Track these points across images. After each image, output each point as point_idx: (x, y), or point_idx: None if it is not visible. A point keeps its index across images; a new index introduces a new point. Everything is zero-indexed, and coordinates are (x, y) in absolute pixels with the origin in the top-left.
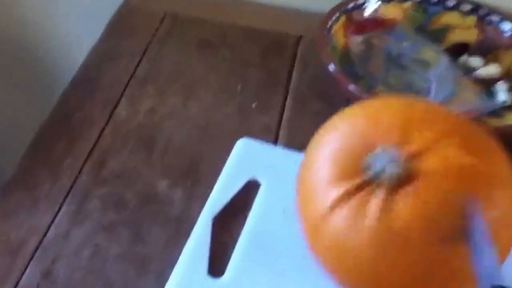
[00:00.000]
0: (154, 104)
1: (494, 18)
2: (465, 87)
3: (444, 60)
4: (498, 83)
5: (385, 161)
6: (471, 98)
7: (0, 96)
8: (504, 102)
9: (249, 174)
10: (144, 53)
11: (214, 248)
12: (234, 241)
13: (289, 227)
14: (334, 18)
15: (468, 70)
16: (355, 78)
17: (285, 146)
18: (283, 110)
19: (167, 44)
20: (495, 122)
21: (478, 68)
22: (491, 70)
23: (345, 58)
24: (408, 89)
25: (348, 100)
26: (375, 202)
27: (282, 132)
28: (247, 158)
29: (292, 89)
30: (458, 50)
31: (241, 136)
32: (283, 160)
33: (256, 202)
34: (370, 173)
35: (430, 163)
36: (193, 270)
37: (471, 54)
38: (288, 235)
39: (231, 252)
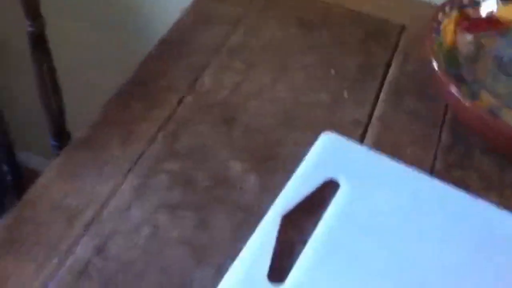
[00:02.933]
0: (241, 80)
1: None
2: None
3: None
4: None
5: None
6: None
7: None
8: None
9: (329, 173)
10: (238, 23)
11: (279, 249)
12: (302, 245)
13: (367, 242)
14: (446, 11)
15: None
16: (458, 80)
17: (373, 144)
18: (376, 104)
19: (265, 17)
20: None
21: None
22: None
23: (450, 57)
24: None
25: (447, 104)
26: None
27: (371, 129)
28: (329, 155)
29: (389, 83)
30: None
31: (328, 127)
32: (369, 163)
33: (332, 205)
34: None
35: None
36: (252, 272)
37: None
38: (365, 250)
39: (297, 256)
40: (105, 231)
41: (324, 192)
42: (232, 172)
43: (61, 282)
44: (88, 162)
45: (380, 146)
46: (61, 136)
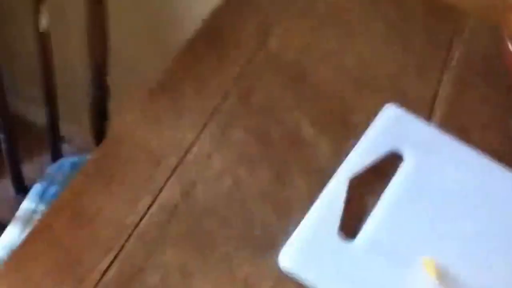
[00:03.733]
0: (310, 42)
1: None
2: None
3: None
4: None
5: None
6: None
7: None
8: None
9: (393, 145)
10: None
11: (348, 209)
12: (370, 207)
13: (430, 210)
14: None
15: None
16: None
17: (440, 123)
18: (440, 82)
19: None
20: None
21: None
22: None
23: None
24: None
25: None
26: None
27: (437, 108)
28: (393, 128)
29: (457, 63)
30: None
31: (395, 98)
32: (434, 141)
33: (397, 176)
34: None
35: None
36: (323, 227)
37: None
38: (427, 217)
39: (365, 217)
40: (189, 176)
41: (389, 162)
42: (304, 133)
43: (151, 221)
44: (166, 109)
45: (446, 126)
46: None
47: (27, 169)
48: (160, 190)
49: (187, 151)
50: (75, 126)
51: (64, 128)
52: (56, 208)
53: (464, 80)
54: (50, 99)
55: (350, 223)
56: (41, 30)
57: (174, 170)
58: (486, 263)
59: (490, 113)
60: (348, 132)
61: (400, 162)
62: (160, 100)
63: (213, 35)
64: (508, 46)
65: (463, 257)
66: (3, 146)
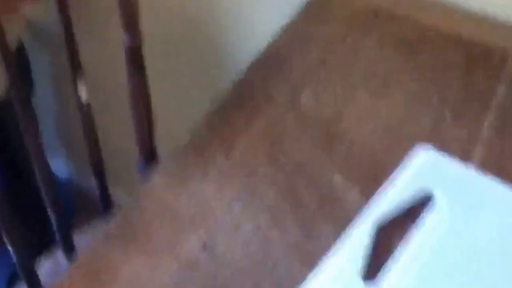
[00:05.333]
0: (341, 97)
1: None
2: None
3: None
4: None
5: None
6: None
7: (183, 68)
8: None
9: (425, 187)
10: (337, 43)
11: (373, 253)
12: (395, 253)
13: (463, 260)
14: None
15: None
16: None
17: (480, 166)
18: (480, 127)
19: (364, 37)
20: None
21: None
22: None
23: None
24: None
25: None
26: None
27: (476, 152)
28: (426, 169)
29: (496, 106)
30: None
31: (430, 144)
32: (470, 183)
33: (428, 221)
34: None
35: None
36: (344, 271)
37: None
38: (459, 268)
39: (390, 262)
40: (215, 238)
41: (420, 205)
42: (336, 186)
43: (172, 276)
44: (193, 170)
45: (485, 169)
46: (149, 154)
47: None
48: (181, 244)
49: (209, 206)
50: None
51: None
52: (74, 271)
53: (503, 125)
54: (98, 167)
55: (375, 269)
56: (82, 102)
57: (194, 223)
58: None
59: None
60: (379, 180)
61: (433, 206)
62: (187, 161)
63: (243, 95)
64: None
65: None
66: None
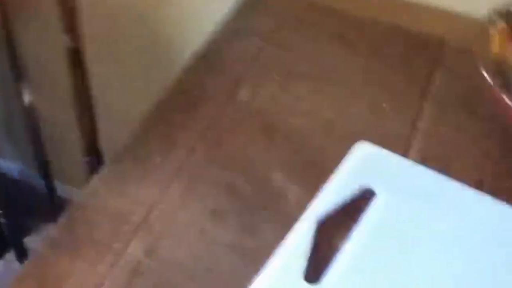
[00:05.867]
0: (278, 91)
1: None
2: None
3: None
4: None
5: None
6: None
7: (120, 67)
8: None
9: (364, 182)
10: (274, 37)
11: (315, 251)
12: (337, 250)
13: (404, 251)
14: (493, 23)
15: None
16: (508, 92)
17: (417, 157)
18: (419, 117)
19: (301, 31)
20: None
21: None
22: None
23: (499, 68)
24: None
25: (497, 115)
26: None
27: (415, 142)
28: (364, 164)
29: (433, 96)
30: None
31: (370, 138)
32: (407, 174)
33: (369, 214)
34: None
35: None
36: (287, 271)
37: None
38: (400, 259)
39: (333, 260)
40: (154, 233)
41: (361, 200)
42: (274, 181)
43: (116, 281)
44: (131, 169)
45: (425, 159)
46: (94, 153)
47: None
48: (124, 250)
49: (152, 209)
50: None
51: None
52: (20, 279)
53: (440, 112)
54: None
55: (317, 268)
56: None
57: (138, 228)
58: None
59: (466, 142)
60: (320, 177)
61: (373, 201)
62: (126, 162)
63: (180, 93)
64: (485, 78)
65: None
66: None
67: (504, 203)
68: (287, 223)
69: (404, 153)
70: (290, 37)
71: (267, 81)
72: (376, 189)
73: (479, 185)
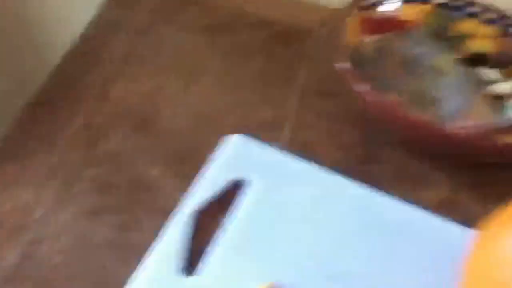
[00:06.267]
0: (152, 87)
1: None
2: (478, 100)
3: (459, 70)
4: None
5: None
6: (483, 113)
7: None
8: None
9: (236, 173)
10: (146, 31)
11: (190, 245)
12: (213, 240)
13: (278, 236)
14: (350, 13)
15: (484, 83)
16: (366, 80)
17: (285, 145)
18: (286, 106)
19: (171, 24)
20: (506, 138)
21: (494, 82)
22: (507, 85)
23: (356, 57)
24: (418, 97)
25: (360, 103)
26: None
27: (284, 130)
28: (236, 156)
29: (298, 85)
30: (475, 61)
31: (241, 129)
32: (277, 162)
33: (243, 204)
34: None
35: None
36: (163, 266)
37: (489, 66)
38: (275, 244)
39: (208, 252)
40: (30, 237)
41: (234, 190)
42: (151, 176)
43: None
44: (5, 171)
45: (292, 146)
46: None
47: None
48: (4, 263)
49: (26, 212)
50: None
51: None
52: None
53: (306, 99)
54: None
55: (194, 258)
56: None
57: (12, 232)
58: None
59: (330, 127)
60: (195, 170)
61: (246, 191)
62: (3, 165)
63: (54, 92)
64: (339, 64)
65: (308, 278)
66: None
67: (364, 185)
68: (164, 218)
69: (274, 142)
70: (163, 31)
71: (140, 76)
72: (249, 179)
73: (342, 168)
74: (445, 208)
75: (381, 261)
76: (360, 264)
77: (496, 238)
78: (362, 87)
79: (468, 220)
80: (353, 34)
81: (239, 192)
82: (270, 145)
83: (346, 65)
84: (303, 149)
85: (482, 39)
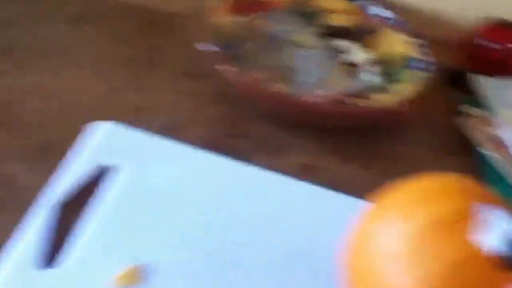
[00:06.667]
0: (15, 78)
1: (372, 4)
2: (335, 69)
3: (316, 43)
4: (368, 67)
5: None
6: (341, 81)
7: None
8: (370, 84)
9: (103, 158)
10: (9, 22)
11: (51, 236)
12: (77, 230)
13: (150, 220)
14: None
15: (338, 53)
16: (232, 59)
17: (154, 128)
18: (153, 89)
19: (37, 13)
20: (363, 103)
21: (348, 51)
22: (360, 54)
23: (222, 38)
24: (281, 71)
25: (226, 82)
26: None
27: (151, 114)
28: (103, 141)
29: (167, 69)
30: (333, 34)
31: (110, 116)
32: (146, 146)
33: (111, 189)
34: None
35: None
36: (23, 261)
37: (345, 38)
38: (148, 228)
39: (71, 241)
40: None
41: (100, 178)
42: (12, 170)
43: None
44: None
45: (163, 129)
46: None
47: None
48: None
49: None
50: None
51: None
52: None
53: (175, 82)
54: None
55: (55, 250)
56: None
57: None
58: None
59: (198, 107)
60: (59, 160)
61: (113, 175)
62: None
63: None
64: (205, 45)
65: (187, 256)
66: None
67: (233, 159)
68: (24, 212)
69: (141, 126)
70: (25, 21)
71: (2, 68)
72: (116, 165)
73: (213, 145)
74: (308, 173)
75: (258, 230)
76: (239, 235)
77: (371, 232)
78: (226, 67)
79: (331, 183)
80: (220, 16)
81: (105, 179)
82: (141, 130)
83: (211, 46)
84: (174, 130)
85: (340, 14)
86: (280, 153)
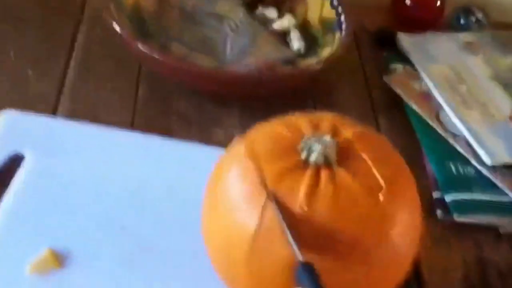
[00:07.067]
0: None
1: None
2: (261, 38)
3: (239, 13)
4: (292, 33)
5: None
6: (267, 49)
7: None
8: (298, 50)
9: (13, 147)
10: None
11: None
12: None
13: (61, 201)
14: None
15: (264, 22)
16: (147, 36)
17: (68, 115)
18: (65, 76)
19: None
20: (289, 69)
21: (273, 19)
22: (286, 21)
23: (135, 16)
24: (203, 44)
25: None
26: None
27: (63, 101)
28: (11, 131)
29: (77, 53)
30: (254, 3)
31: (16, 105)
32: (59, 132)
33: (20, 178)
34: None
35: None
36: None
37: (267, 5)
38: (59, 212)
39: None
40: None
41: (10, 166)
42: None
43: None
44: None
45: (75, 115)
46: None
47: None
48: None
49: None
50: None
51: None
52: None
53: (87, 66)
54: None
55: None
56: None
57: None
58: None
59: (117, 89)
60: None
61: (23, 165)
62: None
63: None
64: (114, 26)
65: (101, 234)
66: None
67: (155, 136)
68: None
69: (54, 114)
70: None
71: None
72: (26, 153)
73: (131, 126)
74: None
75: (172, 200)
76: (152, 208)
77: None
78: (141, 47)
79: None
80: None
81: (15, 167)
82: (50, 117)
83: (123, 26)
84: (87, 116)
85: None
86: (209, 127)
